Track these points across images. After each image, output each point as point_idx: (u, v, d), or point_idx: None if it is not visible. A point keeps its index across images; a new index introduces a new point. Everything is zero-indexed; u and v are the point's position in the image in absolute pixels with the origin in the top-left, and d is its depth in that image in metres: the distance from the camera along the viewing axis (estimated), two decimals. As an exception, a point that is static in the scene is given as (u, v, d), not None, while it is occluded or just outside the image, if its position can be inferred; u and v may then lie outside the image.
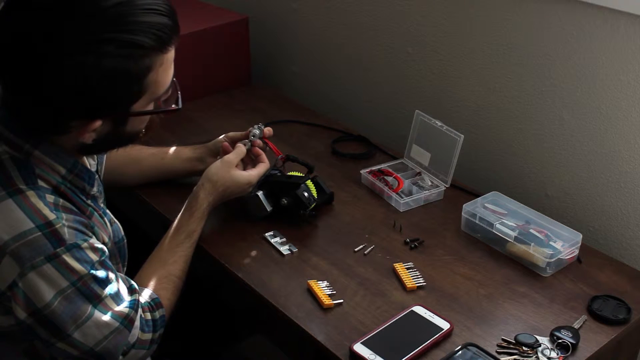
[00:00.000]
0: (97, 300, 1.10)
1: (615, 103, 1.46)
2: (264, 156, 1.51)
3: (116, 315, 1.12)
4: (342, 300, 1.29)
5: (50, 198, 1.08)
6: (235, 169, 1.45)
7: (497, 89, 1.68)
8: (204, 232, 1.41)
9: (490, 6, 1.62)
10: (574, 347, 1.19)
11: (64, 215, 1.08)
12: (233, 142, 1.54)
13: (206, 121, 1.91)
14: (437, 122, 1.61)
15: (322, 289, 1.30)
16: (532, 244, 1.37)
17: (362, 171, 1.65)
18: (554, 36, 1.52)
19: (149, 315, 1.21)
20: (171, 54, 1.09)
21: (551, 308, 1.29)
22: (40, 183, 1.09)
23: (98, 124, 1.07)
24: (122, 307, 1.14)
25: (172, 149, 1.60)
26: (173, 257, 1.33)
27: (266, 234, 1.46)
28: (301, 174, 1.52)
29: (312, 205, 1.48)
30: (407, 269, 1.36)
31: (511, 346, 1.19)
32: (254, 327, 1.72)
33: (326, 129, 1.89)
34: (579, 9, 1.45)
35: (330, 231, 1.49)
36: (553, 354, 1.18)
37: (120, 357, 1.15)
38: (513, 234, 1.40)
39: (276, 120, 1.88)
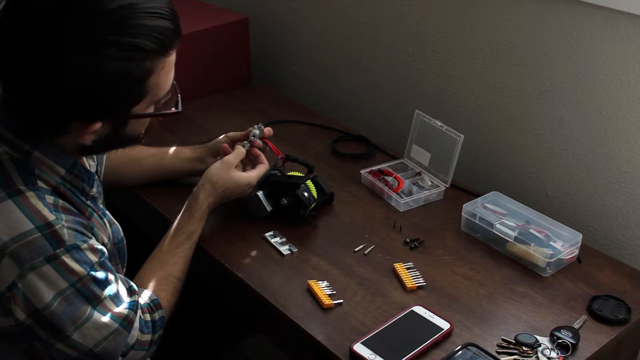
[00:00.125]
0: (97, 302, 1.10)
1: (615, 103, 1.46)
2: (263, 157, 1.51)
3: (115, 317, 1.12)
4: (342, 300, 1.29)
5: (50, 199, 1.08)
6: (235, 170, 1.45)
7: (497, 89, 1.68)
8: (204, 233, 1.41)
9: (490, 6, 1.62)
10: (574, 347, 1.19)
11: (63, 216, 1.08)
12: (233, 142, 1.54)
13: (206, 121, 1.91)
14: (437, 122, 1.61)
15: (322, 289, 1.30)
16: (532, 244, 1.37)
17: (362, 171, 1.65)
18: (554, 36, 1.52)
19: (148, 317, 1.21)
20: (172, 57, 1.09)
21: (551, 308, 1.29)
22: (40, 184, 1.09)
23: (98, 125, 1.07)
24: (122, 309, 1.14)
25: (172, 149, 1.60)
26: (173, 258, 1.32)
27: (266, 234, 1.46)
28: (301, 174, 1.52)
29: (312, 205, 1.48)
30: (407, 269, 1.36)
31: (511, 346, 1.19)
32: (254, 327, 1.72)
33: (326, 129, 1.89)
34: (579, 9, 1.45)
35: (330, 231, 1.49)
36: (553, 354, 1.18)
37: (120, 358, 1.15)
38: (513, 234, 1.40)
39: (276, 120, 1.88)
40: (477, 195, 1.54)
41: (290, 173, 1.52)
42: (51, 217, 1.06)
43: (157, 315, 1.23)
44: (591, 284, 1.34)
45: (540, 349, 1.18)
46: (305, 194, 1.47)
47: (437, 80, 1.81)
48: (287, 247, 1.42)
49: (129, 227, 1.38)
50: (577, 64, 1.50)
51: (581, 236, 1.39)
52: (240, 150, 1.48)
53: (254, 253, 1.42)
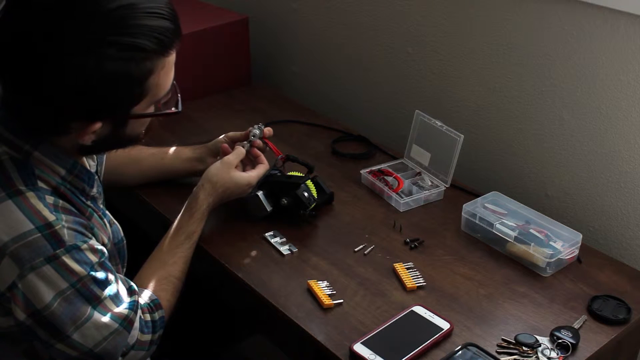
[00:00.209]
0: (97, 302, 1.10)
1: (615, 103, 1.46)
2: (263, 157, 1.51)
3: (115, 317, 1.12)
4: (342, 300, 1.29)
5: (50, 199, 1.08)
6: (235, 170, 1.45)
7: (497, 89, 1.68)
8: (204, 233, 1.41)
9: (490, 6, 1.62)
10: (574, 347, 1.19)
11: (63, 217, 1.08)
12: (233, 142, 1.54)
13: (206, 121, 1.91)
14: (437, 122, 1.61)
15: (322, 289, 1.30)
16: (532, 244, 1.37)
17: (362, 171, 1.65)
18: (554, 36, 1.52)
19: (148, 317, 1.21)
20: (172, 57, 1.09)
21: (551, 308, 1.29)
22: (40, 184, 1.09)
23: (98, 125, 1.07)
24: (122, 309, 1.14)
25: (172, 149, 1.60)
26: (173, 258, 1.32)
27: (266, 234, 1.46)
28: (301, 174, 1.52)
29: (312, 205, 1.48)
30: (407, 269, 1.36)
31: (511, 346, 1.19)
32: (254, 327, 1.72)
33: (326, 129, 1.89)
34: (579, 9, 1.45)
35: (330, 231, 1.49)
36: (553, 354, 1.18)
37: (120, 358, 1.15)
38: (513, 234, 1.40)
39: (276, 120, 1.88)
40: (477, 195, 1.54)
41: (290, 173, 1.52)
42: (51, 217, 1.06)
43: (157, 315, 1.23)
44: (591, 284, 1.34)
45: (540, 349, 1.18)
46: (305, 194, 1.47)
47: (437, 80, 1.81)
48: (287, 247, 1.42)
49: (129, 227, 1.38)
50: (577, 64, 1.50)
51: (581, 236, 1.39)
52: (240, 150, 1.48)
53: (254, 253, 1.42)
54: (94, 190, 1.20)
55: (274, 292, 1.31)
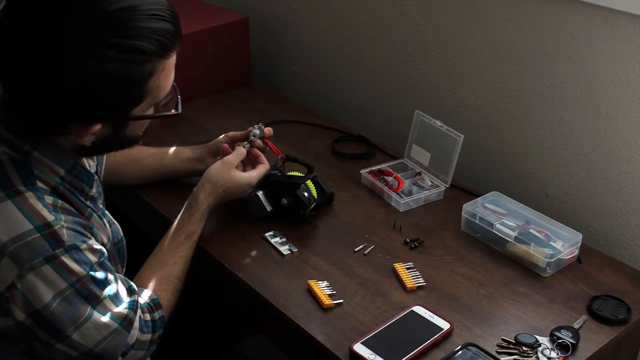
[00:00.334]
0: (96, 302, 1.10)
1: (615, 103, 1.46)
2: (263, 157, 1.51)
3: (115, 316, 1.12)
4: (342, 300, 1.29)
5: (49, 199, 1.08)
6: (235, 170, 1.45)
7: (497, 89, 1.67)
8: (204, 233, 1.41)
9: (490, 6, 1.62)
10: (574, 347, 1.19)
11: (62, 217, 1.08)
12: (233, 142, 1.54)
13: (206, 121, 1.91)
14: (437, 122, 1.61)
15: (322, 289, 1.30)
16: (532, 244, 1.37)
17: (362, 171, 1.65)
18: (554, 36, 1.52)
19: (148, 316, 1.21)
20: (173, 59, 1.09)
21: (551, 308, 1.29)
22: (39, 184, 1.09)
23: (98, 127, 1.07)
24: (121, 308, 1.14)
25: (172, 149, 1.60)
26: (173, 258, 1.32)
27: (266, 234, 1.46)
28: (301, 174, 1.52)
29: (312, 205, 1.48)
30: (407, 269, 1.36)
31: (511, 346, 1.19)
32: (254, 327, 1.72)
33: (326, 129, 1.89)
34: (579, 9, 1.45)
35: (330, 231, 1.49)
36: (553, 354, 1.18)
37: (120, 358, 1.15)
38: (513, 234, 1.40)
39: (276, 120, 1.88)
40: (477, 195, 1.54)
41: (290, 173, 1.52)
42: (50, 217, 1.06)
43: (157, 315, 1.23)
44: (591, 284, 1.34)
45: (540, 349, 1.18)
46: (305, 194, 1.47)
47: (437, 80, 1.81)
48: (287, 247, 1.42)
49: (129, 227, 1.38)
50: (577, 64, 1.50)
51: (581, 236, 1.39)
52: (240, 151, 1.48)
53: (254, 253, 1.42)
54: (94, 190, 1.20)
55: (274, 292, 1.31)
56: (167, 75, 1.09)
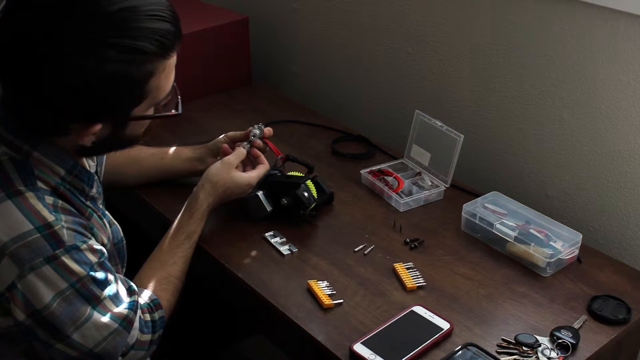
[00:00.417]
0: (96, 302, 1.10)
1: (615, 103, 1.46)
2: (263, 158, 1.51)
3: (115, 317, 1.12)
4: (342, 300, 1.29)
5: (49, 199, 1.08)
6: (235, 170, 1.45)
7: (497, 89, 1.67)
8: (204, 233, 1.41)
9: (490, 6, 1.62)
10: (574, 347, 1.19)
11: (62, 217, 1.08)
12: (233, 142, 1.54)
13: (206, 121, 1.91)
14: (437, 122, 1.61)
15: (322, 289, 1.30)
16: (532, 244, 1.37)
17: (362, 171, 1.65)
18: (554, 36, 1.52)
19: (148, 317, 1.21)
20: (173, 60, 1.09)
21: (551, 308, 1.29)
22: (40, 184, 1.09)
23: (98, 127, 1.07)
24: (121, 309, 1.14)
25: (172, 149, 1.60)
26: (173, 258, 1.32)
27: (266, 234, 1.46)
28: (301, 174, 1.52)
29: (312, 205, 1.48)
30: (407, 269, 1.36)
31: (511, 346, 1.19)
32: (254, 327, 1.72)
33: (326, 129, 1.89)
34: (579, 9, 1.45)
35: (330, 231, 1.49)
36: (553, 354, 1.18)
37: (120, 358, 1.15)
38: (513, 234, 1.40)
39: (276, 120, 1.88)
40: (477, 195, 1.54)
41: (290, 173, 1.52)
42: (50, 217, 1.06)
43: (157, 315, 1.23)
44: (591, 284, 1.34)
45: (540, 349, 1.18)
46: (305, 194, 1.47)
47: (437, 80, 1.81)
48: (287, 247, 1.42)
49: (129, 227, 1.38)
50: (577, 64, 1.50)
51: (581, 236, 1.39)
52: (240, 151, 1.48)
53: (254, 253, 1.42)
54: (94, 190, 1.20)
55: (274, 292, 1.31)
56: (167, 76, 1.09)
